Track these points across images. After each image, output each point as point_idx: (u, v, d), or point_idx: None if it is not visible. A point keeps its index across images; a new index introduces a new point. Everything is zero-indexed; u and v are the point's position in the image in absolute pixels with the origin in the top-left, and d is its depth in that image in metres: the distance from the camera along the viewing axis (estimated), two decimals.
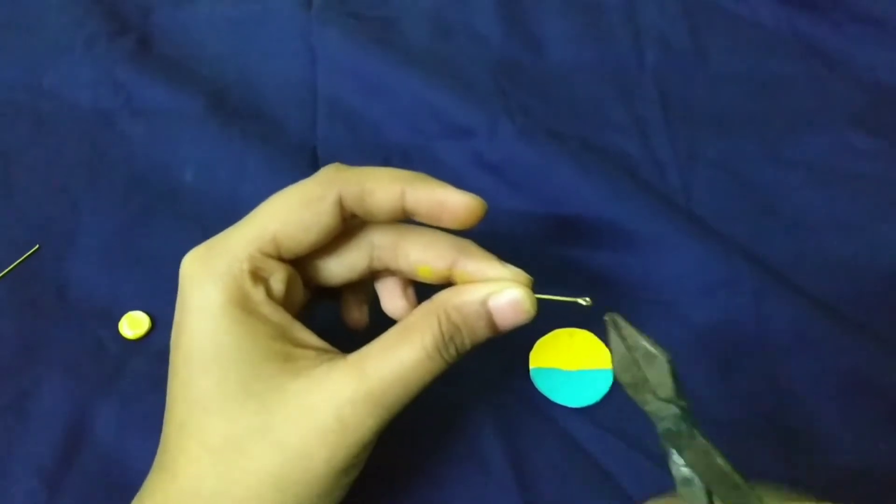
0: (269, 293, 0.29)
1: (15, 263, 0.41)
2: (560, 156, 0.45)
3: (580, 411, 0.38)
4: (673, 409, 0.27)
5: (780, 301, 0.40)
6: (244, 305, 0.28)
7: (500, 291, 0.29)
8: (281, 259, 0.30)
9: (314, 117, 0.48)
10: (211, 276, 0.28)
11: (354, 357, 0.28)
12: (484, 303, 0.29)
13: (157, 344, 0.39)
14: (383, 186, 0.29)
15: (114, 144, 0.46)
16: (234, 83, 0.50)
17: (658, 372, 0.27)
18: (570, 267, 0.43)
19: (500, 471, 0.36)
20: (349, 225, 0.31)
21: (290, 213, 0.29)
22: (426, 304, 0.29)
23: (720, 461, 0.25)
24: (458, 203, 0.30)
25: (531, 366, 0.39)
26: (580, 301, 0.31)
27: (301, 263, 0.31)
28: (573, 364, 0.39)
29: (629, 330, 0.28)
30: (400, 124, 0.48)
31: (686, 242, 0.42)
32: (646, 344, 0.27)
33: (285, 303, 0.30)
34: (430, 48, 0.52)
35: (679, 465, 0.26)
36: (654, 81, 0.51)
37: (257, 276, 0.29)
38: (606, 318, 0.28)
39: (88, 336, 0.39)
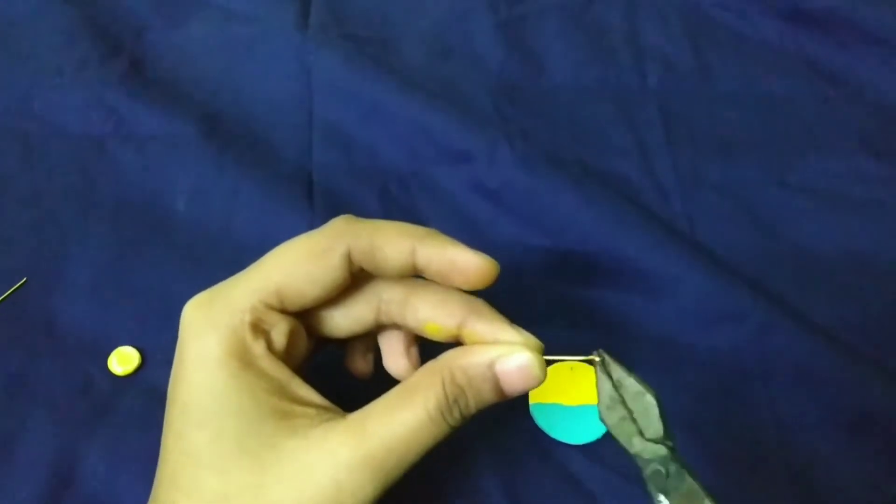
0: (269, 346, 0.28)
1: (2, 297, 0.40)
2: (560, 182, 0.44)
3: (580, 448, 0.37)
4: (661, 450, 0.27)
5: (786, 334, 0.39)
6: (243, 359, 0.27)
7: (509, 355, 0.28)
8: (284, 311, 0.29)
9: (310, 141, 0.47)
10: (211, 326, 0.28)
11: (354, 417, 0.27)
12: (491, 366, 0.28)
13: (148, 380, 0.38)
14: (393, 242, 0.28)
15: (104, 172, 0.45)
16: (228, 106, 0.49)
17: (646, 411, 0.27)
18: (570, 296, 0.42)
19: None
20: (357, 278, 0.30)
21: (296, 265, 0.29)
22: (431, 364, 0.28)
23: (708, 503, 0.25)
24: (469, 263, 0.29)
25: (531, 401, 0.38)
26: (592, 358, 0.29)
27: (305, 315, 0.30)
28: (573, 399, 0.38)
29: (616, 367, 0.28)
30: (397, 149, 0.47)
31: (689, 273, 0.41)
32: (634, 381, 0.28)
33: (287, 356, 0.29)
34: (429, 70, 0.51)
35: None
36: (656, 103, 0.50)
37: (258, 329, 0.28)
38: (594, 354, 0.28)
39: (76, 372, 0.38)
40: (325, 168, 0.46)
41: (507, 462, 0.36)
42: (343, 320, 0.31)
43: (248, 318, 0.28)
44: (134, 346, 0.39)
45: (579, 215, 0.43)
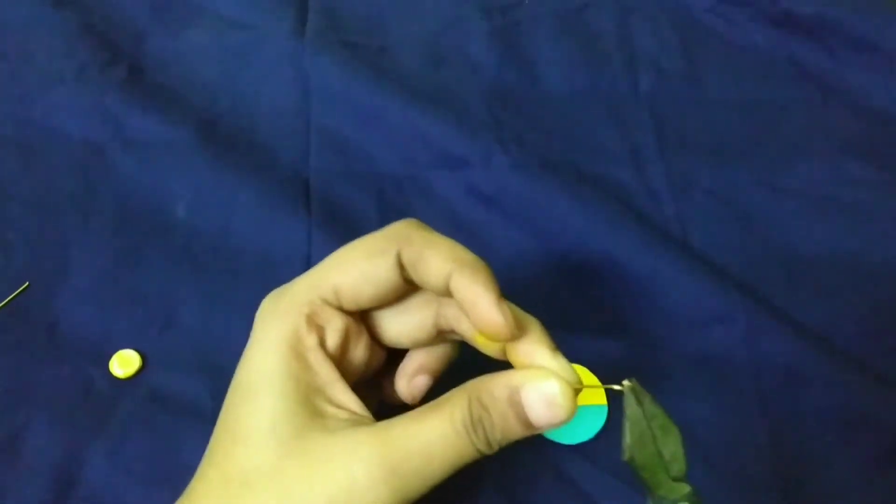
0: (321, 342, 0.29)
1: (4, 302, 0.40)
2: (554, 186, 0.45)
3: (574, 448, 0.37)
4: (685, 488, 0.26)
5: (775, 335, 0.40)
6: (295, 348, 0.28)
7: (536, 382, 0.27)
8: (342, 310, 0.30)
9: (307, 147, 0.48)
10: (275, 315, 0.30)
11: (382, 423, 0.27)
12: (515, 391, 0.27)
13: (148, 383, 0.38)
14: (438, 260, 0.29)
15: (105, 178, 0.46)
16: (227, 112, 0.49)
17: (674, 445, 0.26)
18: (564, 299, 0.42)
19: None
20: (415, 283, 0.30)
21: (353, 263, 0.30)
22: (464, 384, 0.28)
23: None
24: (484, 315, 0.28)
25: None
26: (617, 387, 0.28)
27: (369, 320, 0.31)
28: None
29: (648, 398, 0.27)
30: (393, 154, 0.48)
31: (680, 275, 0.42)
32: (662, 414, 0.26)
33: (342, 356, 0.30)
34: (425, 76, 0.52)
35: None
36: (648, 108, 0.51)
37: (313, 323, 0.29)
38: (625, 384, 0.27)
39: (78, 375, 0.38)
40: (322, 173, 0.47)
41: (502, 463, 0.37)
42: (404, 326, 0.31)
43: (305, 310, 0.29)
44: (135, 349, 0.39)
45: (573, 219, 0.44)
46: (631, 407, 0.26)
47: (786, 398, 0.39)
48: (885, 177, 0.47)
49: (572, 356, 0.38)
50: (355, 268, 0.29)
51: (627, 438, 0.26)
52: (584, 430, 0.38)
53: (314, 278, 0.30)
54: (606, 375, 0.38)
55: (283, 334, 0.29)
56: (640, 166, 0.48)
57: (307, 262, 0.43)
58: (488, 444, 0.27)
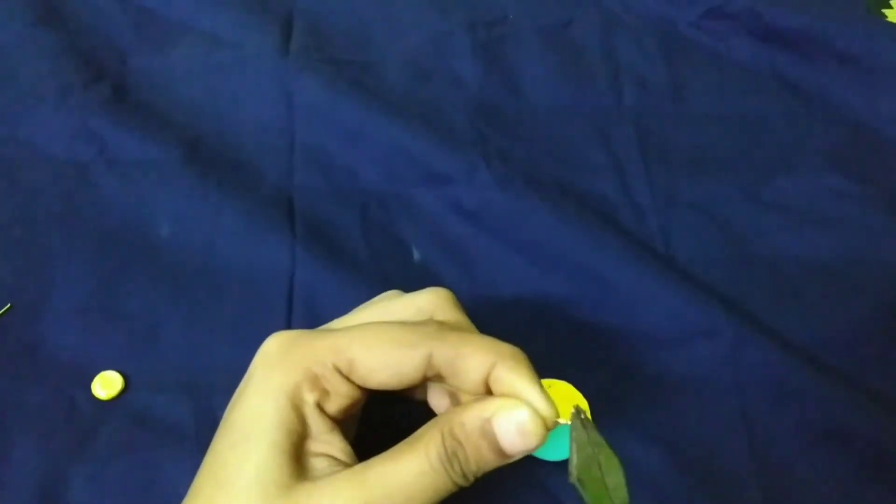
0: (320, 405, 0.29)
1: None
2: (538, 202, 0.45)
3: (559, 465, 0.37)
4: None
5: (759, 349, 0.40)
6: (293, 401, 0.28)
7: (508, 411, 0.27)
8: (349, 380, 0.30)
9: (291, 164, 0.48)
10: (282, 363, 0.29)
11: (359, 466, 0.28)
12: (487, 421, 0.27)
13: (131, 404, 0.38)
14: (478, 355, 0.28)
15: (88, 197, 0.45)
16: (210, 130, 0.49)
17: (616, 476, 0.27)
18: (548, 315, 0.42)
19: None
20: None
21: (379, 346, 0.29)
22: (437, 417, 0.29)
23: None
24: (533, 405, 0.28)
25: None
26: (563, 421, 0.28)
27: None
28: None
29: (592, 427, 0.28)
30: (377, 171, 0.48)
31: (664, 290, 0.42)
32: (606, 445, 0.27)
33: (340, 415, 0.30)
34: (409, 93, 0.52)
35: None
36: (632, 122, 0.51)
37: (318, 384, 0.29)
38: (573, 411, 0.28)
39: (61, 397, 0.38)
40: (306, 191, 0.47)
41: (487, 480, 0.36)
42: (392, 375, 0.30)
43: (315, 370, 0.29)
44: (118, 370, 0.39)
45: (556, 235, 0.44)
46: (577, 430, 0.27)
47: (769, 413, 0.38)
48: (868, 190, 0.47)
49: (556, 372, 0.39)
50: (382, 352, 0.29)
51: (574, 460, 0.27)
52: (567, 448, 0.37)
53: (332, 342, 0.30)
54: (590, 391, 0.38)
55: (285, 386, 0.29)
56: (624, 181, 0.48)
57: (291, 281, 0.43)
58: (464, 476, 0.27)
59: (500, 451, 0.28)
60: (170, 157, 0.47)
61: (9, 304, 0.41)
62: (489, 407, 0.27)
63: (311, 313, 0.42)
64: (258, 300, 0.42)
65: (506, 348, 0.29)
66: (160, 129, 0.49)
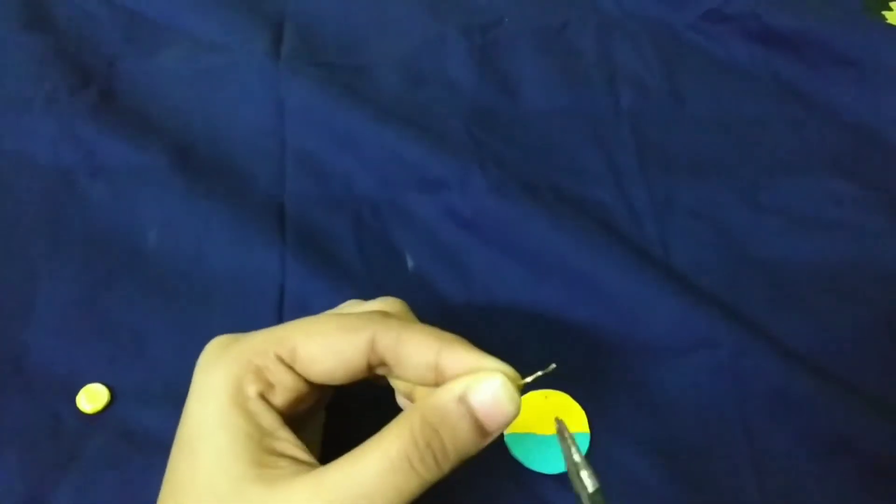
0: (266, 396, 0.28)
1: None
2: (534, 208, 0.44)
3: (556, 478, 0.36)
4: None
5: (759, 358, 0.39)
6: (235, 398, 0.27)
7: (480, 383, 0.26)
8: (294, 371, 0.29)
9: (282, 170, 0.47)
10: (219, 362, 0.29)
11: (320, 469, 0.26)
12: (463, 398, 0.26)
13: (117, 418, 0.37)
14: (420, 341, 0.28)
15: (74, 204, 0.44)
16: (200, 136, 0.48)
17: (585, 497, 0.27)
18: (544, 322, 0.42)
19: None
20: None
21: (320, 333, 0.29)
22: (402, 413, 0.27)
23: None
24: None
25: (505, 431, 0.37)
26: (547, 371, 0.28)
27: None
28: (548, 428, 0.37)
29: (569, 444, 0.28)
30: (370, 177, 0.47)
31: (663, 298, 0.41)
32: (587, 465, 0.27)
33: (288, 412, 0.29)
34: (402, 97, 0.51)
35: None
36: (629, 126, 0.50)
37: (261, 376, 0.28)
38: (557, 424, 0.28)
39: (45, 410, 0.37)
40: (297, 197, 0.46)
41: (484, 494, 0.36)
42: (335, 365, 0.29)
43: (255, 361, 0.28)
44: (103, 383, 0.38)
45: (553, 241, 0.43)
46: (562, 443, 0.28)
47: (770, 422, 0.38)
48: (868, 194, 0.47)
49: (552, 381, 0.38)
50: (323, 337, 0.29)
51: (567, 464, 0.28)
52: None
53: (272, 334, 0.29)
54: (588, 400, 0.38)
55: (224, 384, 0.28)
56: (621, 186, 0.47)
57: (281, 291, 0.42)
58: (438, 467, 0.26)
59: (480, 429, 0.27)
60: (158, 164, 0.46)
61: None
62: (459, 384, 0.27)
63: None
64: (248, 310, 0.41)
65: (449, 335, 0.28)
66: (148, 134, 0.48)
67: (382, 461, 0.25)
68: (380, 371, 0.30)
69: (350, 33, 0.55)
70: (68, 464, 0.36)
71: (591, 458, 0.36)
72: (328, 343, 0.28)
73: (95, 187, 0.45)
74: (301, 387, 0.29)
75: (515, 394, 0.27)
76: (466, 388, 0.26)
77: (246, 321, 0.40)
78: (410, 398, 0.31)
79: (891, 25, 0.54)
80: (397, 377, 0.30)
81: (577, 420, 0.38)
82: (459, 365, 0.27)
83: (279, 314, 0.41)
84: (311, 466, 0.27)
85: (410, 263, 0.44)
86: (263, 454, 0.27)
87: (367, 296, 0.41)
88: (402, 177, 0.46)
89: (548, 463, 0.37)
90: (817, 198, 0.47)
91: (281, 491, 0.26)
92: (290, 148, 0.48)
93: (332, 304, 0.41)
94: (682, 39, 0.55)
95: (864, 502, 0.36)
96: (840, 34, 0.53)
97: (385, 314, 0.30)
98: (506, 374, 0.27)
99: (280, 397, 0.28)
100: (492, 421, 0.27)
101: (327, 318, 0.30)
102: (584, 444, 0.37)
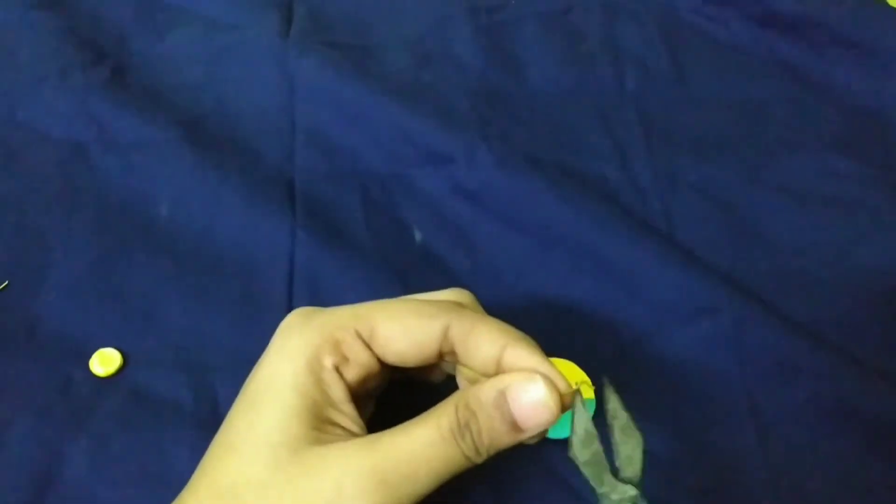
0: (338, 367, 0.29)
1: None
2: (539, 183, 0.45)
3: (562, 443, 0.37)
4: (631, 490, 0.27)
5: (762, 327, 0.40)
6: (311, 364, 0.29)
7: (522, 383, 0.28)
8: (370, 350, 0.30)
9: (292, 146, 0.48)
10: (301, 329, 0.30)
11: (372, 436, 0.28)
12: (502, 392, 0.28)
13: (129, 382, 0.38)
14: (490, 335, 0.29)
15: (87, 178, 0.45)
16: (211, 113, 0.49)
17: (633, 448, 0.27)
18: (550, 295, 0.42)
19: (481, 501, 0.35)
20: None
21: (400, 315, 0.30)
22: (452, 394, 0.29)
23: None
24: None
25: None
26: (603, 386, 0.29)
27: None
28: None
29: (614, 397, 0.28)
30: (378, 152, 0.47)
31: (666, 270, 0.41)
32: (628, 417, 0.28)
33: (357, 388, 0.30)
34: (410, 76, 0.52)
35: None
36: (634, 106, 0.51)
37: (338, 348, 0.29)
38: (576, 387, 0.29)
39: (58, 374, 0.38)
40: (306, 172, 0.46)
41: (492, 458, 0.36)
42: (409, 346, 0.30)
43: (336, 334, 0.29)
44: (116, 348, 0.39)
45: (558, 214, 0.43)
46: (577, 408, 0.28)
47: (773, 390, 0.38)
48: (869, 171, 0.47)
49: (559, 351, 0.38)
50: (402, 320, 0.30)
51: (573, 436, 0.28)
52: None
53: (355, 311, 0.30)
54: (594, 370, 0.38)
55: (303, 349, 0.29)
56: (625, 163, 0.48)
57: (291, 262, 0.42)
58: (476, 450, 0.28)
59: (512, 424, 0.28)
60: (169, 139, 0.47)
61: (6, 282, 0.41)
62: (504, 380, 0.28)
63: (311, 294, 0.41)
64: (258, 281, 0.42)
65: (518, 332, 0.30)
66: (160, 111, 0.48)
67: (432, 432, 0.27)
68: (447, 359, 0.31)
69: (358, 14, 0.55)
70: (81, 426, 0.37)
71: (597, 424, 0.37)
72: (407, 326, 0.30)
73: (108, 160, 0.46)
74: (373, 365, 0.30)
75: (553, 401, 0.28)
76: (508, 384, 0.28)
77: (257, 292, 0.41)
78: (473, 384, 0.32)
79: (892, 7, 0.54)
80: (464, 365, 0.31)
81: (584, 388, 0.38)
82: (520, 364, 0.29)
83: (289, 286, 0.42)
84: (362, 436, 0.28)
85: (418, 236, 0.44)
86: (324, 423, 0.28)
87: (375, 268, 0.42)
88: (409, 152, 0.47)
89: (554, 428, 0.37)
90: (818, 175, 0.47)
91: (333, 452, 0.27)
92: (299, 125, 0.49)
93: (341, 277, 0.42)
94: (686, 21, 0.56)
95: (867, 467, 0.36)
96: (842, 16, 0.53)
97: (460, 305, 0.31)
98: (552, 380, 0.28)
99: (352, 372, 0.29)
100: (525, 420, 0.28)
101: (406, 303, 0.31)
102: (590, 411, 0.37)
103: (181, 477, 0.29)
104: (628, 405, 0.28)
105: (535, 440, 0.30)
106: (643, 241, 0.43)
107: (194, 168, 0.46)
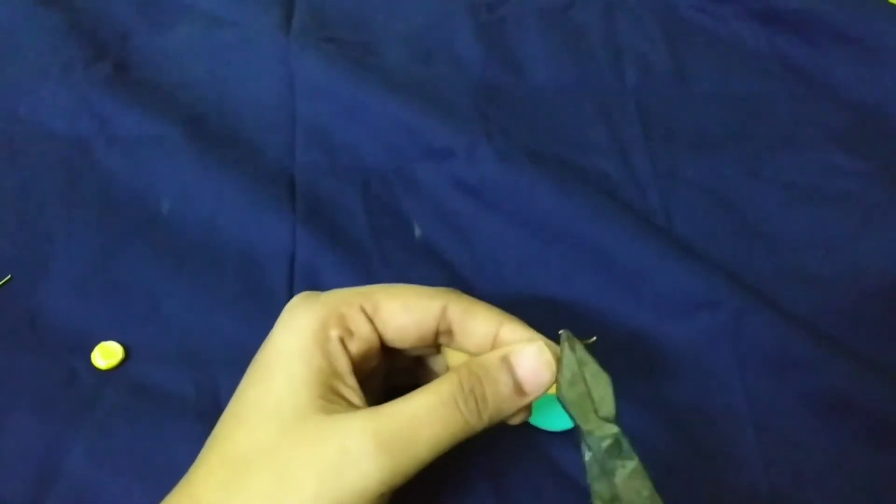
0: (343, 339, 0.30)
1: None
2: (539, 177, 0.45)
3: (561, 435, 0.37)
4: (612, 428, 0.29)
5: (760, 321, 0.40)
6: (317, 336, 0.30)
7: (522, 347, 0.30)
8: (372, 325, 0.31)
9: (292, 142, 0.48)
10: (307, 306, 0.31)
11: (375, 406, 0.29)
12: (505, 358, 0.30)
13: (131, 375, 0.38)
14: (485, 315, 0.31)
15: (89, 172, 0.45)
16: (212, 108, 0.49)
17: (603, 390, 0.29)
18: (550, 289, 0.42)
19: (482, 495, 0.35)
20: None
21: (401, 293, 0.32)
22: (453, 368, 0.31)
23: (649, 485, 0.28)
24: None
25: None
26: (589, 342, 0.31)
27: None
28: (553, 387, 0.38)
29: (579, 346, 0.30)
30: (378, 147, 0.48)
31: (666, 264, 0.41)
32: (594, 361, 0.30)
33: (359, 362, 0.31)
34: (410, 72, 0.52)
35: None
36: (634, 102, 0.51)
37: (343, 323, 0.30)
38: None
39: (60, 367, 0.38)
40: (307, 167, 0.47)
41: (489, 450, 0.37)
42: (407, 327, 0.32)
43: (341, 308, 0.31)
44: (118, 341, 0.39)
45: (558, 209, 0.44)
46: (565, 352, 0.30)
47: (771, 384, 0.38)
48: (868, 167, 0.47)
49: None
50: (404, 298, 0.31)
51: (560, 378, 0.30)
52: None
53: (359, 289, 0.32)
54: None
55: (309, 322, 0.30)
56: (625, 158, 0.48)
57: (292, 257, 0.43)
58: (479, 415, 0.29)
59: (517, 387, 0.30)
60: (171, 134, 0.47)
61: (9, 276, 0.41)
62: (506, 347, 0.30)
63: (311, 288, 0.40)
64: (259, 275, 0.42)
65: (510, 315, 0.32)
66: (161, 106, 0.49)
67: (432, 398, 0.28)
68: (442, 340, 0.32)
69: (359, 10, 0.56)
70: (83, 418, 0.37)
71: None
72: (408, 304, 0.31)
73: (110, 156, 0.46)
74: (374, 340, 0.31)
75: (552, 361, 0.30)
76: (510, 350, 0.30)
77: (257, 286, 0.42)
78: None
79: (891, 4, 0.54)
80: (458, 347, 0.32)
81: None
82: (516, 337, 0.31)
83: (290, 279, 0.42)
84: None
85: (418, 231, 0.44)
86: (329, 391, 0.29)
87: (375, 262, 0.43)
88: (409, 147, 0.47)
89: (552, 420, 0.37)
90: (818, 170, 0.47)
91: (339, 419, 0.28)
92: (299, 120, 0.49)
93: (340, 272, 0.42)
94: (686, 18, 0.56)
95: (863, 461, 0.36)
96: (842, 13, 0.53)
97: (456, 290, 0.33)
98: (548, 346, 0.30)
99: (355, 345, 0.30)
100: (528, 381, 0.30)
101: (407, 286, 0.33)
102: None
103: (182, 469, 0.29)
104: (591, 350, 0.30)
105: (520, 419, 0.32)
106: (643, 235, 0.43)
107: (196, 163, 0.46)
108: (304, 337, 0.30)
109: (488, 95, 0.51)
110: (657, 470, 0.36)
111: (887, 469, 0.36)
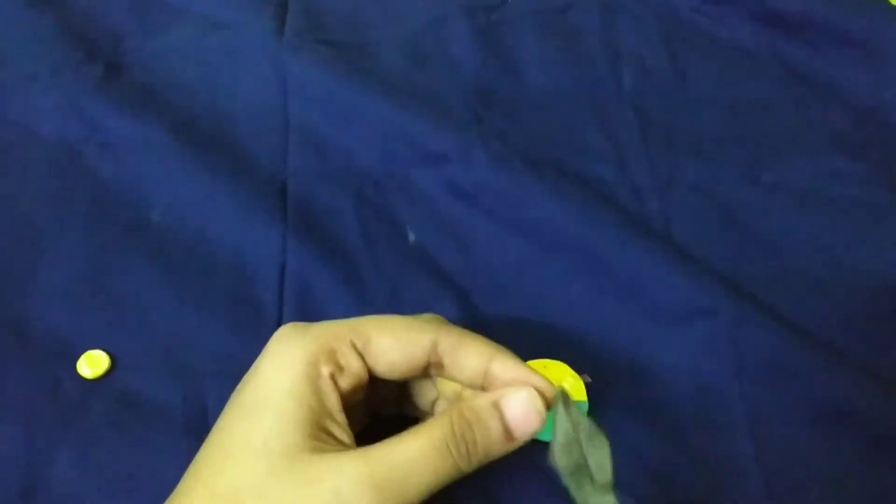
0: (334, 377, 0.30)
1: None
2: (536, 182, 0.44)
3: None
4: (610, 499, 0.27)
5: (759, 329, 0.39)
6: (308, 372, 0.29)
7: (513, 393, 0.30)
8: (362, 360, 0.31)
9: (285, 146, 0.47)
10: (299, 337, 0.30)
11: (366, 447, 0.28)
12: (496, 403, 0.29)
13: (117, 384, 0.37)
14: (476, 347, 0.31)
15: (79, 177, 0.45)
16: (204, 112, 0.49)
17: (600, 455, 0.28)
18: (545, 295, 0.42)
19: None
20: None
21: (392, 328, 0.31)
22: (448, 409, 0.31)
23: None
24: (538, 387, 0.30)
25: None
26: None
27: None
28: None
29: (574, 407, 0.29)
30: (372, 152, 0.47)
31: (663, 269, 0.41)
32: (590, 422, 0.29)
33: (348, 397, 0.30)
34: (405, 75, 0.51)
35: None
36: (632, 106, 0.50)
37: (333, 358, 0.30)
38: (556, 391, 0.30)
39: (45, 375, 0.37)
40: (300, 173, 0.46)
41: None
42: (398, 359, 0.32)
43: (332, 343, 0.30)
44: (104, 350, 0.38)
45: (554, 214, 0.43)
46: (559, 413, 0.29)
47: (769, 392, 0.38)
48: (869, 172, 0.47)
49: (554, 352, 0.38)
50: (395, 333, 0.31)
51: (555, 442, 0.29)
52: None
53: (350, 323, 0.31)
54: (586, 371, 0.38)
55: (301, 357, 0.29)
56: (623, 163, 0.47)
57: (282, 265, 0.42)
58: (468, 459, 0.29)
59: (507, 432, 0.29)
60: (162, 139, 0.46)
61: None
62: (497, 392, 0.30)
63: (301, 299, 0.41)
64: (249, 284, 0.42)
65: (501, 346, 0.32)
66: (153, 110, 0.48)
67: (425, 442, 0.28)
68: (433, 372, 0.32)
69: (353, 13, 0.55)
70: (68, 428, 0.36)
71: None
72: (399, 338, 0.31)
73: (101, 160, 0.46)
74: (364, 375, 0.31)
75: (542, 409, 0.30)
76: (501, 396, 0.30)
77: (247, 295, 0.41)
78: (453, 400, 0.33)
79: (893, 6, 0.54)
80: (449, 378, 0.32)
81: (576, 390, 0.37)
82: (507, 373, 0.31)
83: (280, 289, 0.41)
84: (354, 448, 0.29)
85: (412, 237, 0.44)
86: (319, 430, 0.28)
87: (368, 271, 0.42)
88: (403, 151, 0.47)
89: (545, 430, 0.36)
90: (818, 175, 0.47)
91: (330, 461, 0.27)
92: (292, 124, 0.48)
93: (332, 279, 0.41)
94: (685, 20, 0.55)
95: (861, 471, 0.36)
96: (843, 15, 0.53)
97: (444, 321, 0.33)
98: (540, 389, 0.30)
99: (346, 381, 0.30)
100: (517, 427, 0.30)
101: (396, 318, 0.32)
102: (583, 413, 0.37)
103: (169, 481, 0.29)
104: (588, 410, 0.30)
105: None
106: (640, 241, 0.42)
107: (187, 169, 0.45)
108: (295, 372, 0.29)
109: (484, 98, 0.50)
110: (654, 479, 0.35)
111: (889, 479, 0.35)
